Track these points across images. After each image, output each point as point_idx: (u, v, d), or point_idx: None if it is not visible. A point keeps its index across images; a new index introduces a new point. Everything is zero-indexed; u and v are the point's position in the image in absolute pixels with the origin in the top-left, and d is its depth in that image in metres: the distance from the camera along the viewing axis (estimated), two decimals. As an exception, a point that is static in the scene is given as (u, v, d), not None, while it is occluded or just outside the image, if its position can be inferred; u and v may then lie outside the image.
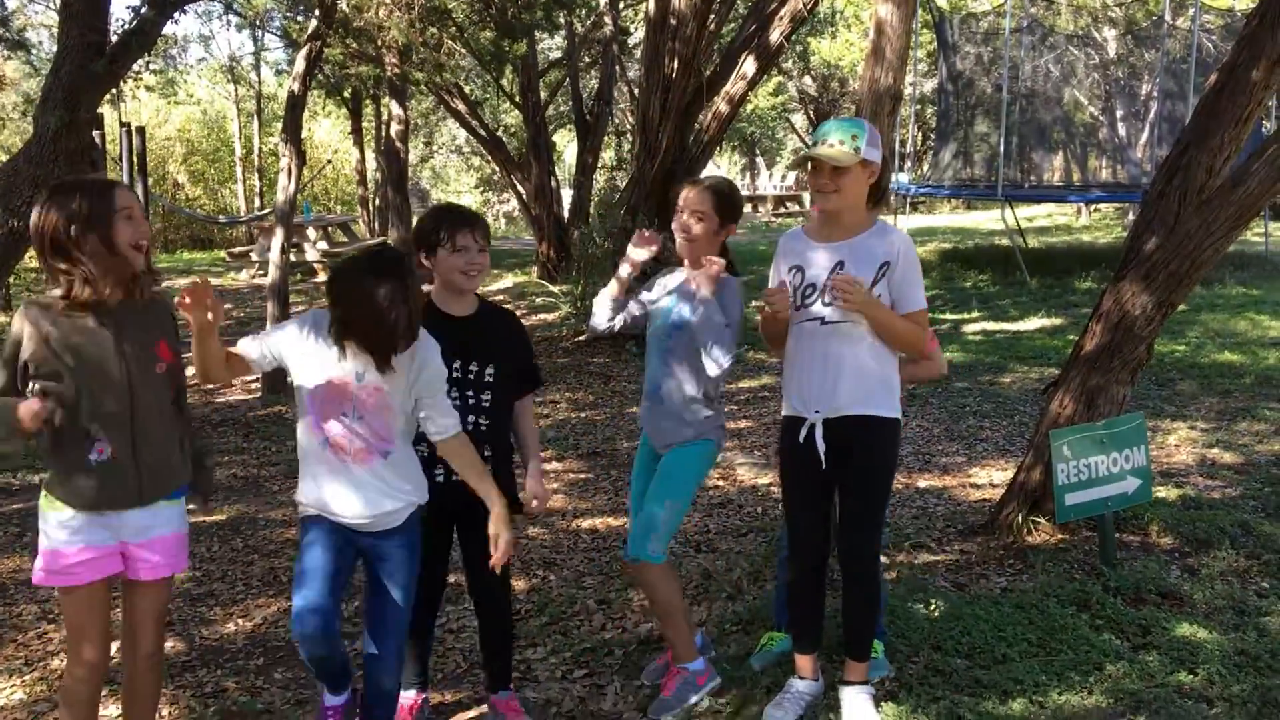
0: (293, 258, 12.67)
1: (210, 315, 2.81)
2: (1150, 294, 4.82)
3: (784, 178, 35.12)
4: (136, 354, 2.85)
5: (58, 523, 2.85)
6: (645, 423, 3.78)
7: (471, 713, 3.77)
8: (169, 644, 4.40)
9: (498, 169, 22.34)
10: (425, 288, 3.35)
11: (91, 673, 2.98)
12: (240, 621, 4.63)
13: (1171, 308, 4.92)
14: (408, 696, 3.56)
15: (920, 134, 28.89)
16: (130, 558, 2.95)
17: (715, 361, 3.49)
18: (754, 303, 4.03)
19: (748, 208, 34.23)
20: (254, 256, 18.94)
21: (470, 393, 3.39)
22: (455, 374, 3.34)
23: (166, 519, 2.99)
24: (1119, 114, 17.37)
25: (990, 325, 11.97)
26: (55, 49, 8.41)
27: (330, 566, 3.04)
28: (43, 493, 2.90)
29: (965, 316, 12.53)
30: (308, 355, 3.00)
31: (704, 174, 12.33)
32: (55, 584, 2.88)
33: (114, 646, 3.22)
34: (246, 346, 3.06)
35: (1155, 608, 4.34)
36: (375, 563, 3.14)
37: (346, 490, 3.02)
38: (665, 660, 3.91)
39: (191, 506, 3.12)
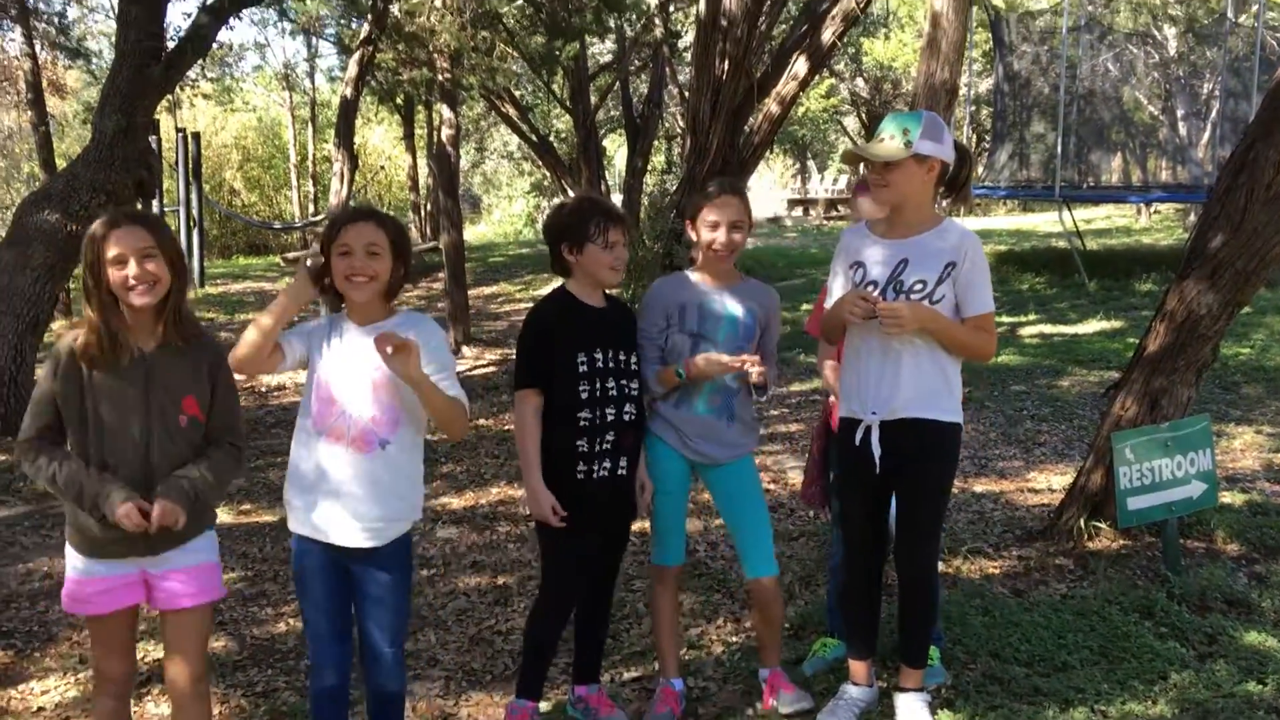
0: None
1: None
2: (1216, 292, 4.69)
3: (835, 181, 34.89)
4: (161, 406, 2.80)
5: (75, 553, 2.85)
6: (704, 438, 3.52)
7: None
8: (219, 643, 4.41)
9: (548, 173, 22.41)
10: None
11: (118, 689, 3.00)
12: (291, 621, 4.63)
13: (1238, 307, 4.79)
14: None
15: (975, 134, 28.55)
16: (151, 587, 2.89)
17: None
18: (805, 306, 3.96)
19: (798, 211, 34.07)
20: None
21: (624, 381, 3.38)
22: (610, 363, 3.35)
23: (191, 549, 2.89)
24: (1180, 113, 17.02)
25: (1048, 328, 11.76)
26: (113, 57, 8.55)
27: (337, 617, 3.03)
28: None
29: (1022, 319, 12.33)
30: (321, 344, 2.98)
31: (752, 177, 12.25)
32: (78, 611, 2.90)
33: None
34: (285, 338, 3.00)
35: (1222, 616, 4.22)
36: (361, 589, 3.02)
37: (335, 490, 2.92)
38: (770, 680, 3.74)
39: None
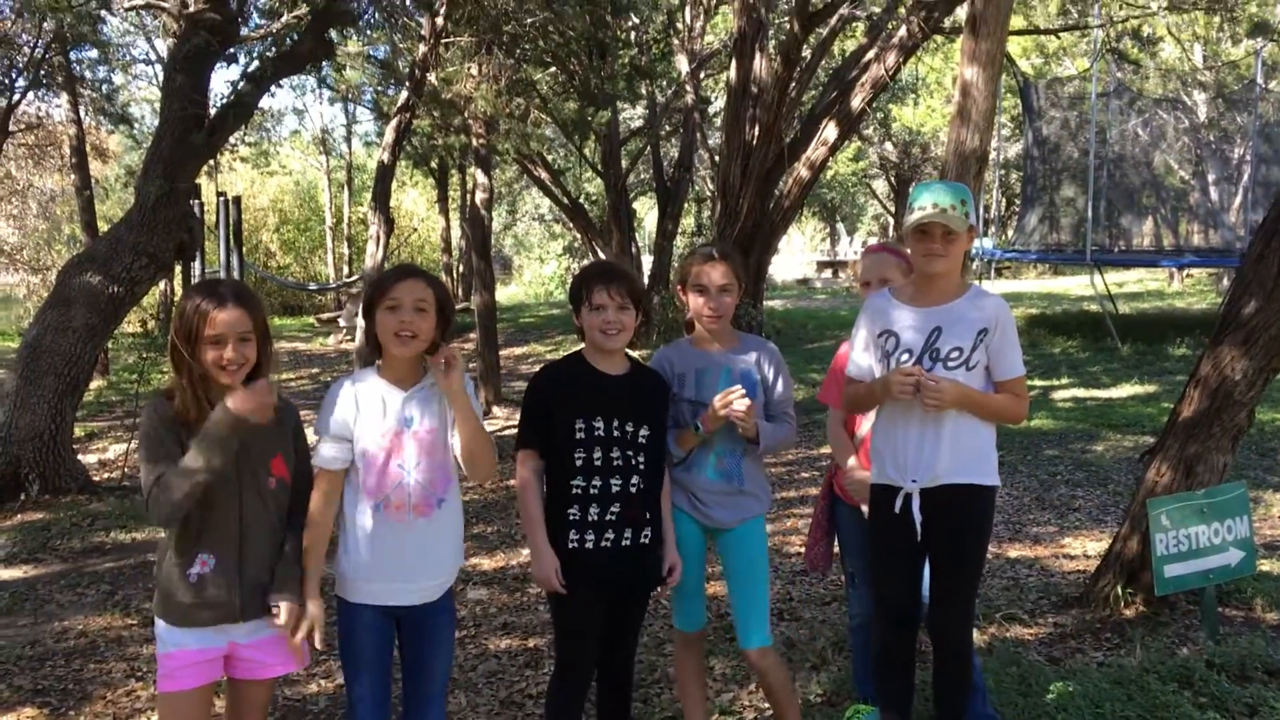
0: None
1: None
2: (1250, 358, 4.67)
3: (864, 243, 34.95)
4: (251, 469, 2.83)
5: (164, 625, 2.84)
6: (716, 504, 3.49)
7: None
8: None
9: (580, 236, 22.63)
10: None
11: None
12: (323, 682, 4.64)
13: (1273, 373, 4.76)
14: None
15: (1004, 199, 28.63)
16: (237, 659, 2.89)
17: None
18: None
19: (827, 273, 34.19)
20: (342, 322, 19.37)
21: (629, 453, 3.25)
22: (615, 433, 3.23)
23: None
24: (1211, 178, 17.03)
25: (1081, 392, 11.69)
26: (157, 123, 8.75)
27: (386, 679, 3.03)
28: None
29: (1055, 383, 12.28)
30: (362, 419, 2.96)
31: (781, 240, 12.32)
32: (170, 689, 2.82)
33: None
34: (331, 457, 2.96)
35: (1262, 685, 4.14)
36: (416, 637, 3.05)
37: (400, 560, 2.95)
38: None
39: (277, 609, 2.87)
